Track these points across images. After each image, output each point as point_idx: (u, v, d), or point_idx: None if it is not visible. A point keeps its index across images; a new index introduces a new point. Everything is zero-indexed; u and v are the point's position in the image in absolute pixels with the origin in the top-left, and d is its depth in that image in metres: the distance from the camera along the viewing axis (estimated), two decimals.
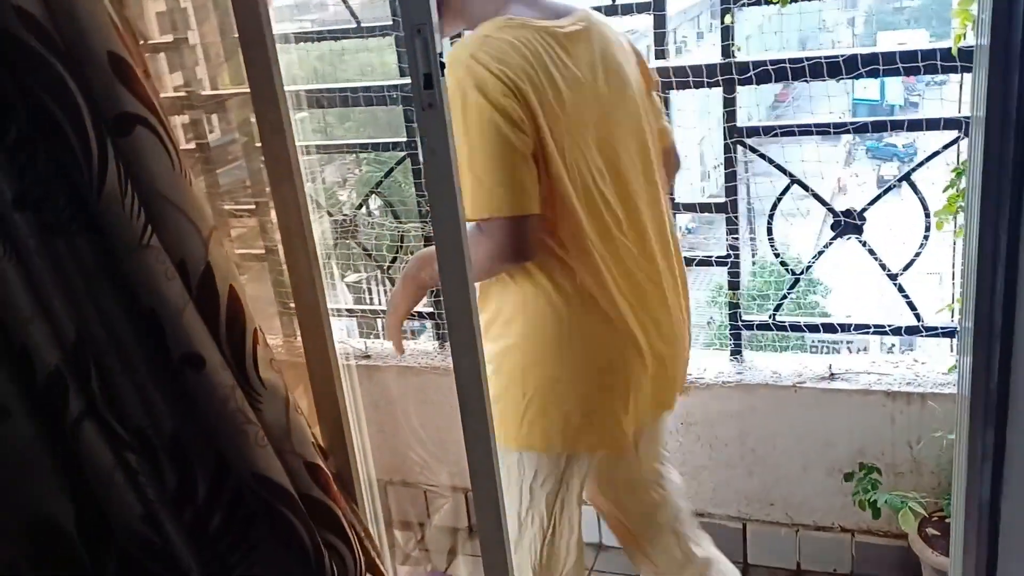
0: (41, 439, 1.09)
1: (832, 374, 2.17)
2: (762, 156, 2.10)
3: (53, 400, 1.05)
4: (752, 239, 2.35)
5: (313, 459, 1.14)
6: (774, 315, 2.24)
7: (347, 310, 2.61)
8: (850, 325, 2.19)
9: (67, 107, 0.93)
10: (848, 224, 2.04)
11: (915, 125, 1.93)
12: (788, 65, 1.90)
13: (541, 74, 1.42)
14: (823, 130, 1.99)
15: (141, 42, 1.58)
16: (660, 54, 2.08)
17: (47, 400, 1.06)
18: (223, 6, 1.85)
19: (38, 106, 0.94)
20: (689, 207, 2.22)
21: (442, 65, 1.11)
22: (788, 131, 2.02)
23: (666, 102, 2.11)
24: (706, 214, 2.24)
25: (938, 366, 2.15)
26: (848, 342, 2.78)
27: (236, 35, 1.21)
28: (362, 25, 2.36)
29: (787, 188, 2.11)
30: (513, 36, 1.44)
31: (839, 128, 1.97)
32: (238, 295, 1.05)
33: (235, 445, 1.06)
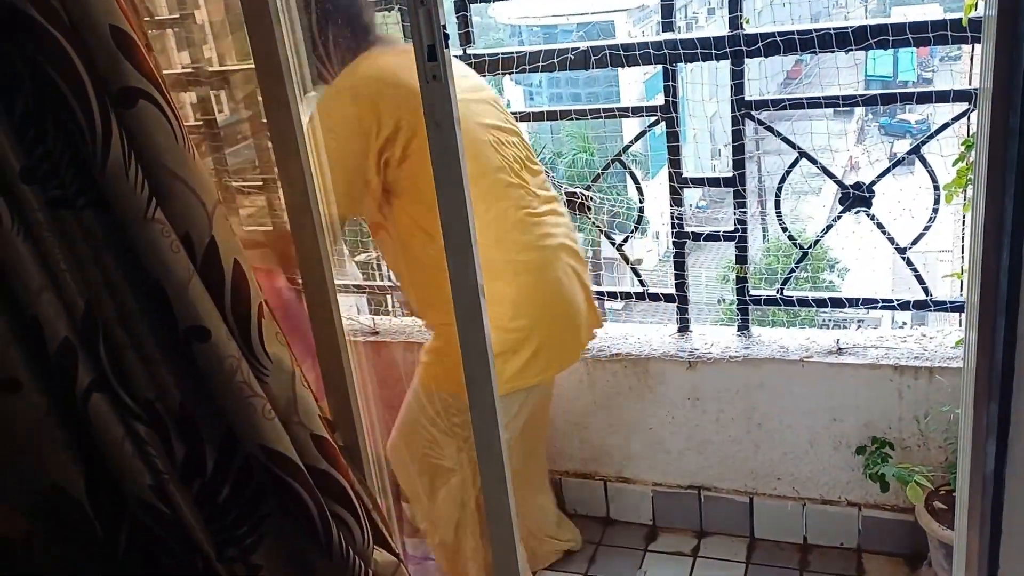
0: (52, 410, 1.11)
1: (840, 348, 2.17)
2: (770, 129, 2.09)
3: (63, 371, 1.06)
4: (763, 214, 2.34)
5: (320, 432, 1.15)
6: (782, 290, 2.23)
7: (355, 286, 2.61)
8: (857, 300, 2.18)
9: (72, 81, 0.94)
10: (857, 197, 2.02)
11: (925, 97, 1.92)
12: (797, 37, 1.88)
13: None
14: (832, 103, 1.98)
15: (147, 19, 1.59)
16: (668, 26, 2.06)
17: (57, 371, 1.07)
18: None
19: (44, 80, 0.95)
20: (697, 182, 2.21)
21: (446, 36, 1.10)
22: (797, 104, 2.00)
23: (675, 75, 2.10)
24: (715, 188, 2.22)
25: (946, 340, 2.15)
26: (859, 320, 2.77)
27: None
28: None
29: (795, 162, 2.10)
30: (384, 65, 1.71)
31: (849, 101, 1.95)
32: (243, 269, 1.06)
33: (242, 417, 1.07)
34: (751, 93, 2.04)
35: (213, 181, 1.06)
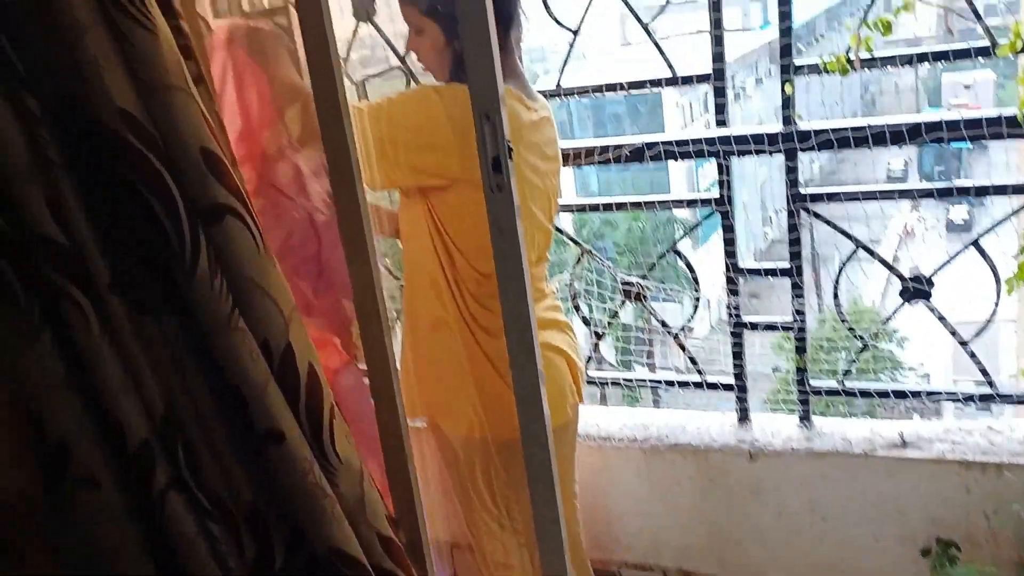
0: (129, 508, 1.15)
1: (904, 442, 2.13)
2: (827, 222, 2.10)
3: (142, 471, 1.11)
4: (818, 297, 2.34)
5: (386, 531, 1.17)
6: (843, 381, 2.21)
7: None
8: (921, 392, 2.15)
9: (163, 198, 1.00)
10: (917, 290, 2.02)
11: (982, 191, 1.92)
12: (851, 134, 1.91)
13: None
14: (888, 196, 1.99)
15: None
16: (721, 123, 2.10)
17: (136, 471, 1.11)
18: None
19: (136, 197, 1.01)
20: (754, 272, 2.23)
21: (509, 150, 1.16)
22: (852, 197, 2.02)
23: (728, 169, 2.13)
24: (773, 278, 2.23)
25: (1014, 434, 2.10)
26: (921, 406, 2.71)
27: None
28: None
29: (853, 253, 2.10)
30: (512, 113, 1.65)
31: (906, 195, 1.96)
32: (316, 372, 1.10)
33: (312, 518, 1.09)
34: (804, 175, 2.07)
35: (289, 288, 1.11)
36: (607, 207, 2.43)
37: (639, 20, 2.22)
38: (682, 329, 2.46)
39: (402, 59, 2.37)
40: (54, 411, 1.09)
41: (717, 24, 2.02)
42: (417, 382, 1.85)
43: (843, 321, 2.21)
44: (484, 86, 1.13)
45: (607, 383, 2.50)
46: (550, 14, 2.26)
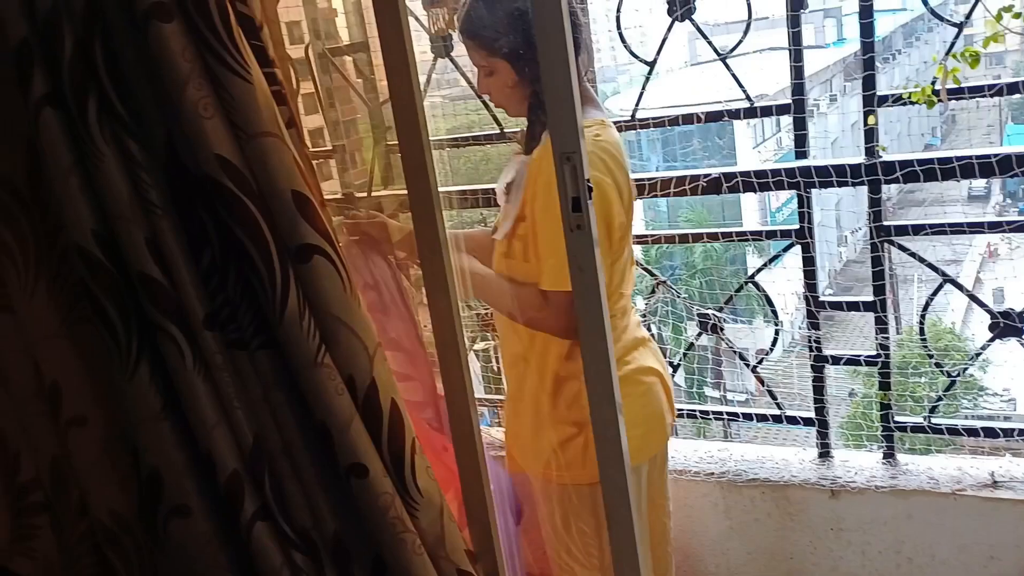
0: (218, 536, 1.19)
1: (995, 482, 2.05)
2: (912, 254, 2.05)
3: (231, 501, 1.15)
4: (896, 317, 2.27)
5: (465, 566, 1.18)
6: (929, 417, 2.15)
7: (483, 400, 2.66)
8: (1013, 430, 2.07)
9: (256, 239, 1.04)
10: (1008, 326, 1.95)
11: None
12: (937, 166, 1.86)
13: (625, 179, 1.68)
14: (977, 229, 1.93)
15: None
16: (801, 155, 2.08)
17: (225, 500, 1.15)
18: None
19: (230, 237, 1.06)
20: (835, 306, 2.18)
21: (590, 189, 1.17)
22: (939, 230, 1.96)
23: (809, 201, 2.10)
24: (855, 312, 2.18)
25: None
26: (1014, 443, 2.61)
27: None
28: (505, 132, 2.48)
29: (939, 287, 2.05)
30: (614, 138, 1.69)
31: (996, 228, 1.90)
32: (399, 408, 1.12)
33: (393, 552, 1.11)
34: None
35: (372, 324, 1.14)
36: (683, 238, 2.41)
37: (716, 51, 2.21)
38: (760, 362, 2.42)
39: (478, 92, 2.40)
40: (149, 441, 1.14)
41: (798, 56, 2.00)
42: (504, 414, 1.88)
43: (930, 356, 2.14)
44: (564, 128, 1.14)
45: (682, 414, 2.48)
46: (626, 47, 2.27)
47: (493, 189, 2.46)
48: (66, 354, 1.16)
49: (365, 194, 2.23)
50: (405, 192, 1.26)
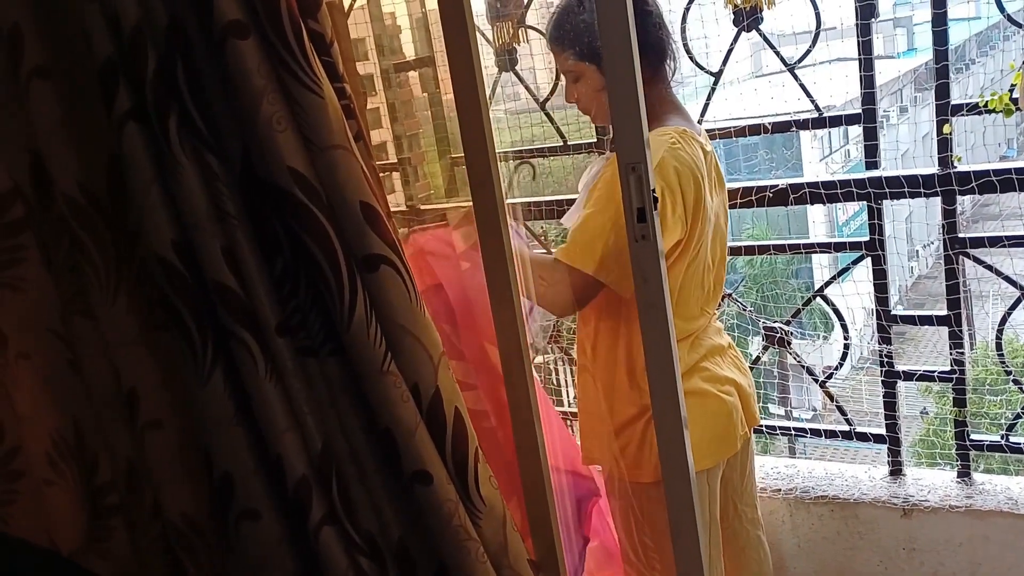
0: (286, 540, 1.21)
1: None
2: (988, 267, 1.99)
3: (299, 505, 1.17)
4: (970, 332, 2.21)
5: None
6: (1007, 435, 2.08)
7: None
8: None
9: (325, 248, 1.07)
10: None
11: None
12: (1015, 176, 1.81)
13: (695, 193, 1.63)
14: None
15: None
16: (872, 165, 2.04)
17: (294, 505, 1.17)
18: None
19: (301, 247, 1.09)
20: (907, 320, 2.13)
21: (655, 200, 1.17)
22: (1017, 241, 1.91)
23: (880, 213, 2.06)
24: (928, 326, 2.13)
25: None
26: None
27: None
28: (568, 144, 2.49)
29: (1017, 301, 1.98)
30: (691, 150, 1.64)
31: None
32: (462, 416, 1.14)
33: (456, 560, 1.12)
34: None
35: (437, 333, 1.15)
36: (749, 250, 2.38)
37: (783, 61, 2.19)
38: (828, 377, 2.37)
39: (542, 105, 2.42)
40: (222, 445, 1.17)
41: (868, 65, 1.96)
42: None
43: (1007, 373, 2.07)
44: (630, 138, 1.14)
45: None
46: (691, 58, 2.26)
47: (555, 201, 2.48)
48: (144, 360, 1.20)
49: (430, 206, 2.26)
50: (470, 203, 1.28)
